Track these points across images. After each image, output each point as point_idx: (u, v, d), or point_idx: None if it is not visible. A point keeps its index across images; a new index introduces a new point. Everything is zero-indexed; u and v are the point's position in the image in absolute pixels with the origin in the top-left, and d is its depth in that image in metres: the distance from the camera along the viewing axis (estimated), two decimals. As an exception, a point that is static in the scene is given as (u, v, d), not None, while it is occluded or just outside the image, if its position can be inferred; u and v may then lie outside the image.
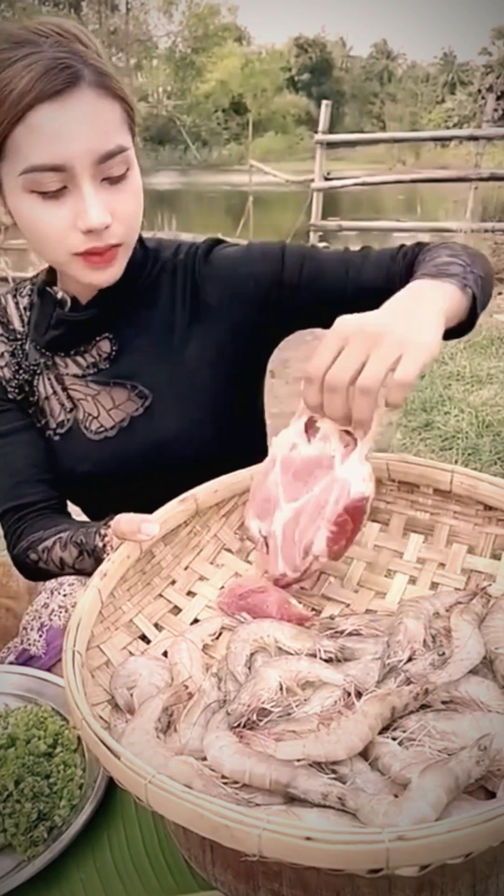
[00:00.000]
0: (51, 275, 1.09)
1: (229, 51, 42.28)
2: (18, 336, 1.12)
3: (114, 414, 1.08)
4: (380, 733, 0.64)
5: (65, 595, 0.96)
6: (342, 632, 0.78)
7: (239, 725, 0.66)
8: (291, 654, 0.74)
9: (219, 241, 1.11)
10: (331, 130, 8.50)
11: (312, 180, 8.53)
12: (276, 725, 0.66)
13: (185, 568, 0.91)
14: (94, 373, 1.08)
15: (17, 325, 1.12)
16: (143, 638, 0.85)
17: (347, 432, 0.79)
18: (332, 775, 0.60)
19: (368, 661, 0.73)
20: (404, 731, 0.64)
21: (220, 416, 1.09)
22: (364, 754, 0.64)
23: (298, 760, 0.60)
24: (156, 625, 0.86)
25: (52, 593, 0.97)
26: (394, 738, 0.64)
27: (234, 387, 1.10)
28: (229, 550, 0.95)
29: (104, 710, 0.72)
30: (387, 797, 0.59)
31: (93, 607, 0.77)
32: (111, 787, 0.77)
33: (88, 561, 0.98)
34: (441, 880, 0.60)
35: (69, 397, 1.09)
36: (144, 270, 1.07)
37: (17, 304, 1.13)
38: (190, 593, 0.90)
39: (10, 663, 0.96)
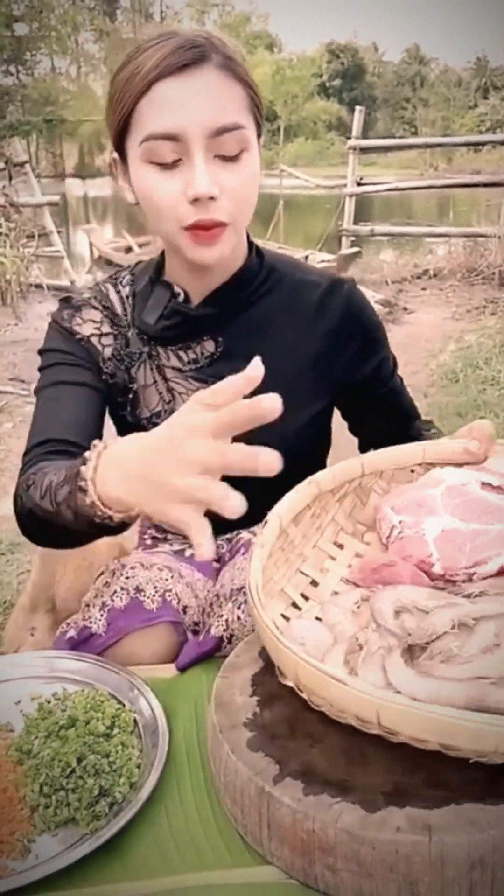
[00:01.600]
0: (159, 271, 1.11)
1: (260, 59, 42.43)
2: (122, 323, 1.13)
3: None
4: None
5: (127, 578, 0.99)
6: (470, 594, 0.83)
7: (412, 654, 0.73)
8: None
9: (354, 283, 1.15)
10: (362, 136, 8.50)
11: (345, 185, 8.53)
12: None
13: (314, 546, 0.97)
14: (194, 369, 1.11)
15: (119, 311, 1.13)
16: (294, 606, 0.90)
17: None
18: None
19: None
20: None
21: (306, 431, 1.15)
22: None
23: (481, 678, 0.67)
24: (301, 595, 0.92)
25: (113, 574, 1.00)
26: None
27: (318, 404, 1.15)
28: (346, 533, 1.01)
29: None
30: None
31: (258, 570, 0.82)
32: (168, 767, 0.79)
33: (64, 490, 0.83)
34: (492, 858, 0.62)
35: (169, 389, 1.12)
36: (257, 279, 1.10)
37: (118, 292, 1.14)
38: (322, 570, 0.96)
39: (70, 638, 0.99)
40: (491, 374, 4.26)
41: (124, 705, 0.86)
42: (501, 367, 4.35)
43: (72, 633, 1.02)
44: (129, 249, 9.36)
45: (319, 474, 0.97)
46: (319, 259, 7.32)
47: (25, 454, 1.02)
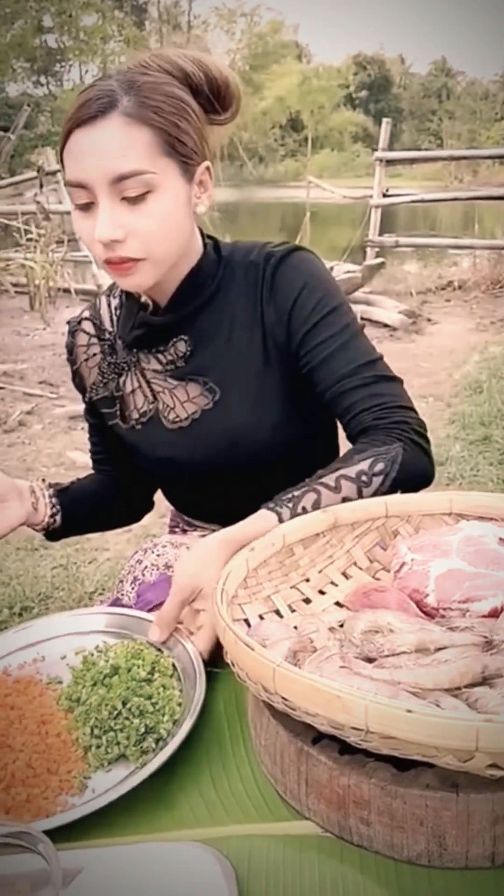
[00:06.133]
0: None
1: (288, 68, 42.68)
2: (108, 335, 1.23)
3: (187, 406, 1.18)
4: (479, 686, 0.73)
5: (157, 555, 1.07)
6: (455, 627, 0.85)
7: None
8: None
9: (300, 249, 1.16)
10: (388, 147, 8.58)
11: (370, 196, 8.60)
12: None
13: (319, 571, 1.00)
14: (173, 369, 1.17)
15: (107, 324, 1.23)
16: (277, 613, 0.94)
17: None
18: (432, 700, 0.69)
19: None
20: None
21: (285, 412, 1.17)
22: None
23: (398, 683, 0.70)
24: (289, 607, 0.96)
25: (146, 552, 1.08)
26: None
27: (299, 387, 1.16)
28: (359, 567, 1.03)
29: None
30: None
31: (240, 568, 0.88)
32: (211, 736, 0.86)
33: None
34: (514, 815, 0.68)
35: (151, 390, 1.20)
36: (216, 278, 1.15)
37: (109, 304, 1.24)
38: (321, 592, 0.99)
39: None
40: (514, 385, 4.30)
41: (162, 652, 0.93)
42: (525, 378, 4.39)
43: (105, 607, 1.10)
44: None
45: (339, 506, 1.00)
46: (344, 270, 7.38)
47: None
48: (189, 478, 1.21)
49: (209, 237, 1.17)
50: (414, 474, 1.03)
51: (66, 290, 7.63)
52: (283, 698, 0.69)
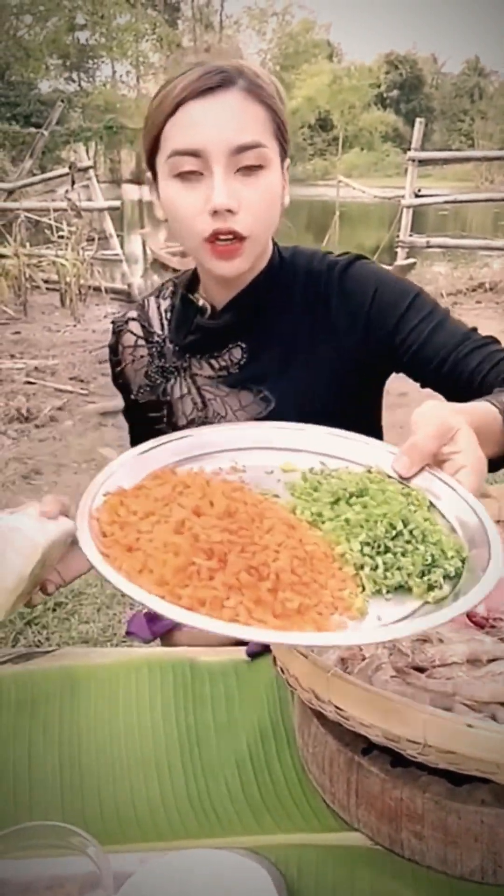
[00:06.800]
0: (192, 283, 1.17)
1: (319, 68, 42.55)
2: (158, 339, 1.20)
3: (239, 415, 1.15)
4: None
5: None
6: None
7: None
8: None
9: (362, 257, 1.15)
10: (420, 147, 8.52)
11: (402, 196, 8.55)
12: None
13: None
14: (225, 376, 1.15)
15: (157, 328, 1.20)
16: None
17: None
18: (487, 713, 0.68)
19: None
20: None
21: (336, 425, 1.16)
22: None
23: (451, 694, 0.68)
24: None
25: None
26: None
27: (352, 399, 1.15)
28: None
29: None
30: None
31: None
32: (254, 741, 0.85)
33: None
34: None
35: (201, 397, 1.18)
36: (278, 280, 1.13)
37: (158, 306, 1.21)
38: None
39: (146, 614, 1.08)
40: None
41: (406, 484, 0.77)
42: None
43: (146, 610, 1.10)
44: (184, 254, 9.47)
45: None
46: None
47: None
48: None
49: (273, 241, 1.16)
50: None
51: (97, 289, 7.67)
52: (336, 707, 0.68)
